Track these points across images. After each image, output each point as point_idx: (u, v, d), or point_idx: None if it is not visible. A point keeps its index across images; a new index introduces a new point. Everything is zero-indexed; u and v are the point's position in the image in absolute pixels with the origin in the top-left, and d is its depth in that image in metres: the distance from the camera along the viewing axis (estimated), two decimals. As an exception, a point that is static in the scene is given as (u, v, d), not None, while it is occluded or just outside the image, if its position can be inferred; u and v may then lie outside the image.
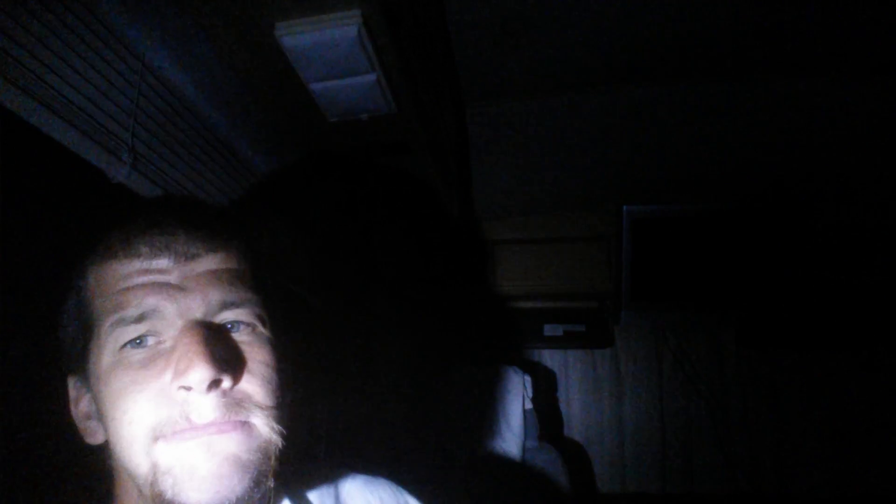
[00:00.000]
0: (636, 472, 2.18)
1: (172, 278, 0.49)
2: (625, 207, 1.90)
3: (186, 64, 0.90)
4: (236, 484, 0.46)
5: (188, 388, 0.46)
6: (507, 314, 2.18)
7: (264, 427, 0.49)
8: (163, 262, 0.50)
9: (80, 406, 0.53)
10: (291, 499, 0.60)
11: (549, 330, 2.19)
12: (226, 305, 0.51)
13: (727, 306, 2.03)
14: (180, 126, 0.94)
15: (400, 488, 0.71)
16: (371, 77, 0.94)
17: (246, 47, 0.90)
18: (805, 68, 1.33)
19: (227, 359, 0.48)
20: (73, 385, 0.54)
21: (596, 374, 2.29)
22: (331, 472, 0.68)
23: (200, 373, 0.45)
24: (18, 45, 0.63)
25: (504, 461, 1.71)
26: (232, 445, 0.47)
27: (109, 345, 0.48)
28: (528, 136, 1.59)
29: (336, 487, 0.66)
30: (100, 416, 0.50)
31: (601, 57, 1.28)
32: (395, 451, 1.65)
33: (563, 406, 2.29)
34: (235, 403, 0.48)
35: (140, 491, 0.49)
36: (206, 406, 0.47)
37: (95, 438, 0.52)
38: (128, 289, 0.49)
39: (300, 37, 0.86)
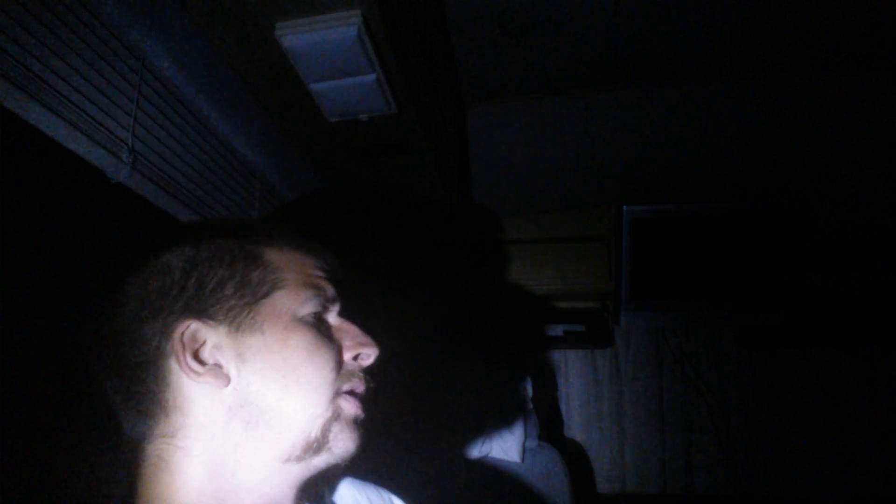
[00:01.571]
0: (636, 472, 2.18)
1: (334, 277, 0.64)
2: (625, 207, 1.90)
3: (186, 64, 0.90)
4: (363, 443, 0.59)
5: (359, 359, 0.61)
6: (507, 314, 2.18)
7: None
8: (328, 265, 0.64)
9: (200, 352, 0.55)
10: None
11: (549, 330, 2.18)
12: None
13: (727, 306, 2.03)
14: (180, 126, 0.94)
15: (386, 490, 0.74)
16: (371, 77, 0.94)
17: (246, 47, 0.90)
18: (804, 68, 1.33)
19: None
20: (196, 331, 0.55)
21: (596, 374, 2.29)
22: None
23: (377, 351, 0.62)
24: (18, 45, 0.63)
25: (504, 461, 1.71)
26: (365, 412, 0.60)
27: (298, 309, 0.58)
28: (528, 136, 1.59)
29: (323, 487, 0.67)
30: (238, 364, 0.56)
31: (601, 57, 1.28)
32: (394, 451, 1.65)
33: (563, 406, 2.29)
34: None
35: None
36: (364, 376, 0.61)
37: (217, 382, 0.55)
38: (318, 276, 0.62)
39: (300, 37, 0.86)
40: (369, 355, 0.62)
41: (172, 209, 0.92)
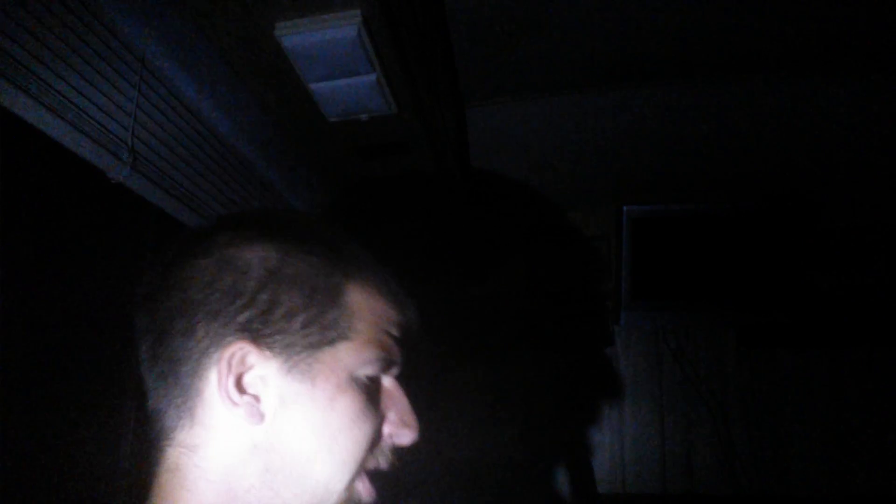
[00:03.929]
0: (636, 472, 2.18)
1: (407, 337, 0.59)
2: (625, 207, 1.90)
3: (186, 64, 0.90)
4: None
5: (394, 438, 0.57)
6: (507, 314, 2.18)
7: None
8: (407, 321, 0.60)
9: (244, 376, 0.52)
10: None
11: (549, 330, 2.18)
12: None
13: (727, 306, 2.03)
14: (180, 126, 0.94)
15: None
16: (371, 77, 0.94)
17: (246, 47, 0.91)
18: (807, 67, 1.33)
19: None
20: (247, 354, 0.51)
21: (596, 374, 2.29)
22: None
23: (416, 436, 0.58)
24: (18, 45, 0.63)
25: (504, 462, 1.71)
26: (379, 492, 0.56)
27: (358, 368, 0.54)
28: (528, 136, 1.59)
29: None
30: (277, 406, 0.51)
31: (601, 57, 1.28)
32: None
33: (563, 406, 2.29)
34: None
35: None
36: (391, 457, 0.57)
37: (251, 418, 0.51)
38: (392, 336, 0.57)
39: (300, 37, 0.86)
40: (407, 437, 0.58)
41: (172, 209, 0.92)
